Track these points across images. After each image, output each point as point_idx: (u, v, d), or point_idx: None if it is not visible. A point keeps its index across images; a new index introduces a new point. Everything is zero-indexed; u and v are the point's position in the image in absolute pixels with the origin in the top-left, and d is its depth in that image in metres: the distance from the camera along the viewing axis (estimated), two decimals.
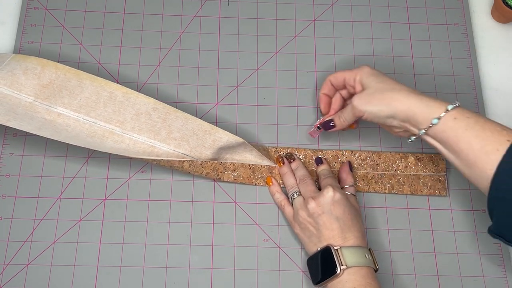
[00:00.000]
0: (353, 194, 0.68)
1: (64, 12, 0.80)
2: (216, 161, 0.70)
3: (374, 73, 0.64)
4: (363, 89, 0.64)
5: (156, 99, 0.75)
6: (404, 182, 0.72)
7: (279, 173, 0.71)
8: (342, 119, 0.67)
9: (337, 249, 0.61)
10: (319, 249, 0.63)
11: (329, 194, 0.63)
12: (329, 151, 0.73)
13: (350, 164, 0.71)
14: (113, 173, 0.71)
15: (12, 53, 0.73)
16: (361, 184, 0.71)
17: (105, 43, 0.79)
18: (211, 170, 0.70)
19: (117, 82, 0.76)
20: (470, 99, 0.77)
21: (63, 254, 0.67)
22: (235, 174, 0.71)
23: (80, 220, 0.69)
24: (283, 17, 0.81)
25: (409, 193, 0.71)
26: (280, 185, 0.71)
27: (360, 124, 0.75)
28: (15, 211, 0.69)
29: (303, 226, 0.65)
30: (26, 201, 0.69)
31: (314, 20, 0.82)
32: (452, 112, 0.58)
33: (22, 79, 0.69)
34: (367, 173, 0.72)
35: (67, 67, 0.71)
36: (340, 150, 0.73)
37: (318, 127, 0.71)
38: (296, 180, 0.69)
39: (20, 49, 0.77)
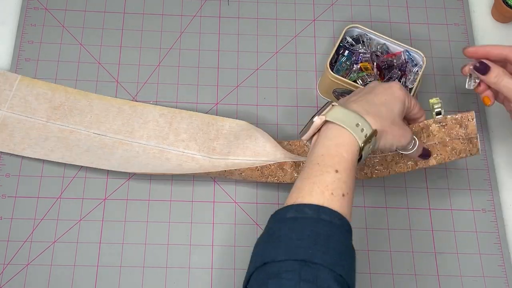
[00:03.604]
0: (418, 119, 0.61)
1: (64, 12, 0.80)
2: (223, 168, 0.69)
3: None
4: None
5: (156, 99, 0.76)
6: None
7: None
8: (499, 78, 0.59)
9: (333, 105, 0.54)
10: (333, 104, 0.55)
11: (394, 85, 0.57)
12: None
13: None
14: (113, 173, 0.71)
15: (18, 75, 0.74)
16: (379, 169, 0.65)
17: (105, 43, 0.78)
18: (217, 174, 0.69)
19: (117, 82, 0.76)
20: (470, 99, 0.77)
21: (63, 254, 0.67)
22: (243, 174, 0.69)
23: (80, 220, 0.69)
24: (283, 17, 0.81)
25: (436, 164, 0.63)
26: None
27: None
28: (15, 211, 0.69)
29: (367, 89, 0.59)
30: (26, 201, 0.69)
31: (314, 20, 0.82)
32: None
33: (35, 104, 0.72)
34: (385, 156, 0.65)
35: (76, 90, 0.74)
36: None
37: (475, 69, 0.61)
38: None
39: (20, 49, 0.77)
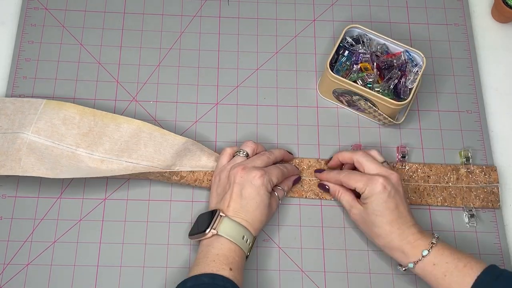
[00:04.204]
0: (278, 197, 0.67)
1: (64, 12, 0.80)
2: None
3: (382, 198, 0.63)
4: (365, 197, 0.64)
5: (156, 99, 0.76)
6: (456, 194, 0.71)
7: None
8: (339, 195, 0.68)
9: (220, 215, 0.62)
10: (215, 206, 0.65)
11: (254, 174, 0.63)
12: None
13: (299, 179, 0.71)
14: None
15: (43, 99, 0.71)
16: (414, 197, 0.71)
17: (105, 43, 0.78)
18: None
19: (117, 82, 0.76)
20: (470, 99, 0.77)
21: (63, 254, 0.67)
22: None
23: (80, 220, 0.69)
24: (283, 17, 0.81)
25: (461, 205, 0.71)
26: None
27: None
28: (15, 211, 0.69)
29: (222, 181, 0.66)
30: (26, 201, 0.69)
31: (314, 20, 0.82)
32: (430, 257, 0.60)
33: (62, 129, 0.69)
34: (418, 185, 0.71)
35: (104, 112, 0.71)
36: (390, 162, 0.72)
37: (319, 187, 0.70)
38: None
39: (20, 49, 0.77)
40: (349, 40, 0.73)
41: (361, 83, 0.70)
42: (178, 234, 0.69)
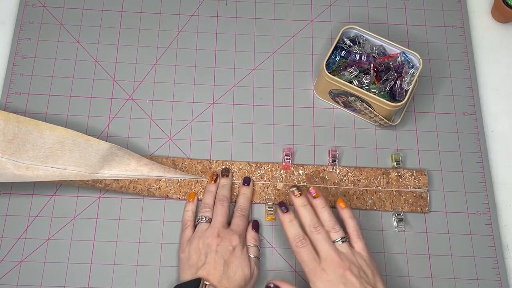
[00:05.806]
0: (256, 257, 0.65)
1: (62, 10, 0.80)
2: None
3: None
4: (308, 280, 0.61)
5: (152, 97, 0.75)
6: (386, 198, 0.71)
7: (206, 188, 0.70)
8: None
9: (206, 284, 0.59)
10: (191, 278, 0.61)
11: (234, 242, 0.63)
12: (310, 166, 0.72)
13: (257, 224, 0.68)
14: None
15: None
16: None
17: (102, 41, 0.79)
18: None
19: (114, 81, 0.76)
20: (466, 101, 0.77)
21: (57, 251, 0.67)
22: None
23: (74, 217, 0.69)
24: (281, 17, 0.81)
25: (390, 210, 0.70)
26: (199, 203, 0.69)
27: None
28: (10, 208, 0.69)
29: (193, 252, 0.63)
30: (20, 198, 0.69)
31: (312, 20, 0.81)
32: None
33: None
34: (348, 189, 0.71)
35: (27, 118, 0.69)
36: (321, 165, 0.72)
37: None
38: (213, 202, 0.68)
39: (17, 46, 0.77)
40: (347, 41, 0.73)
41: (357, 83, 0.70)
42: (172, 233, 0.69)
